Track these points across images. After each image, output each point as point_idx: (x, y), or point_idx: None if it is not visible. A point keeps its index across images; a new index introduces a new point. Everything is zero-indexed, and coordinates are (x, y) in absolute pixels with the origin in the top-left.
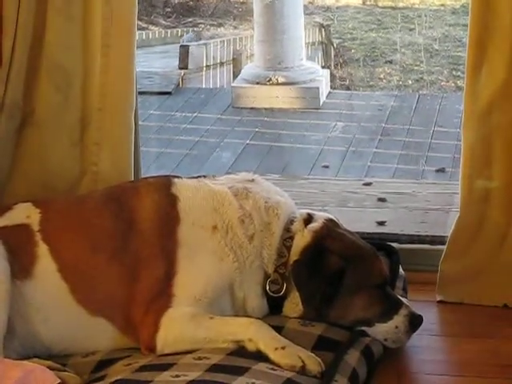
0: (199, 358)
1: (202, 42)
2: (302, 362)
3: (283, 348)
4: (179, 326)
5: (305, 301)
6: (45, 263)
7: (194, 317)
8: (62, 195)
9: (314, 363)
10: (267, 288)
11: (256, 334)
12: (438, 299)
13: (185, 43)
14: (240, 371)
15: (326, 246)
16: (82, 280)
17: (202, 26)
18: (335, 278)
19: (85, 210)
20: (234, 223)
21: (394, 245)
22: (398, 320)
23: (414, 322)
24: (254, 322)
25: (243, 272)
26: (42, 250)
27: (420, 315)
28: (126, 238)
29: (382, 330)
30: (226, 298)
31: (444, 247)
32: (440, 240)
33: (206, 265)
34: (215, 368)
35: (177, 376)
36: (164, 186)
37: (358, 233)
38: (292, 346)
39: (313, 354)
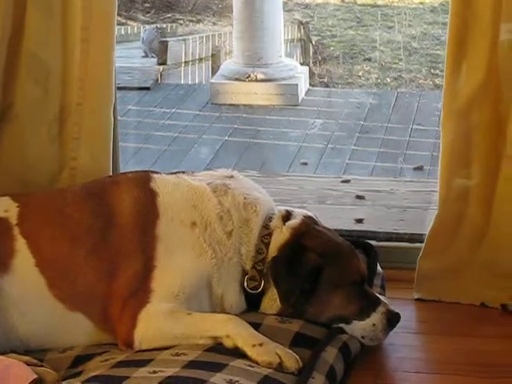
0: (177, 354)
1: (181, 37)
2: (280, 358)
3: (261, 345)
4: (157, 322)
5: (282, 297)
6: (22, 257)
7: (172, 313)
8: (40, 189)
9: (291, 360)
10: (245, 285)
11: (234, 331)
12: (416, 297)
13: (163, 39)
14: (218, 368)
15: (304, 243)
16: (59, 275)
17: (181, 21)
18: (313, 274)
19: (63, 205)
20: (213, 219)
21: (372, 242)
22: (376, 318)
23: (392, 319)
24: (231, 319)
25: (221, 268)
26: (20, 244)
27: (397, 313)
28: (105, 232)
29: (359, 328)
30: (204, 294)
31: (422, 245)
32: (418, 238)
33: (184, 260)
34: (193, 364)
35: (154, 372)
36: (143, 181)
37: (336, 230)
38: (269, 343)
39: (290, 351)
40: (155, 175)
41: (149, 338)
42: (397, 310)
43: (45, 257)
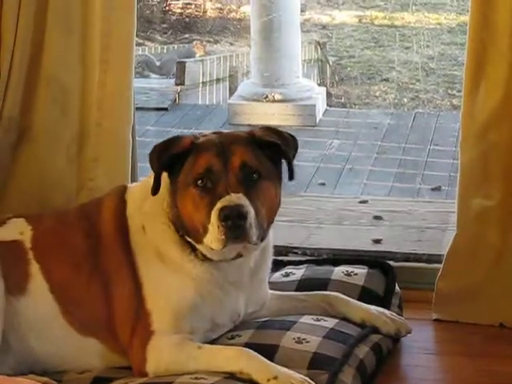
0: (196, 378)
1: (198, 58)
2: None
3: (275, 378)
4: (167, 358)
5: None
6: (37, 282)
7: (180, 346)
8: (53, 210)
9: None
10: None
11: (246, 367)
12: (434, 317)
13: (182, 59)
14: None
15: None
16: (70, 301)
17: (198, 42)
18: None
19: (65, 229)
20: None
21: (390, 263)
22: (213, 218)
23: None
24: (243, 353)
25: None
26: (35, 268)
27: (233, 206)
28: (97, 254)
29: (207, 239)
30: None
31: (440, 266)
32: (436, 258)
33: (165, 275)
34: None
35: None
36: (118, 193)
37: (354, 251)
38: (284, 374)
39: (306, 378)
40: (131, 185)
41: (161, 372)
42: (415, 330)
43: (57, 283)
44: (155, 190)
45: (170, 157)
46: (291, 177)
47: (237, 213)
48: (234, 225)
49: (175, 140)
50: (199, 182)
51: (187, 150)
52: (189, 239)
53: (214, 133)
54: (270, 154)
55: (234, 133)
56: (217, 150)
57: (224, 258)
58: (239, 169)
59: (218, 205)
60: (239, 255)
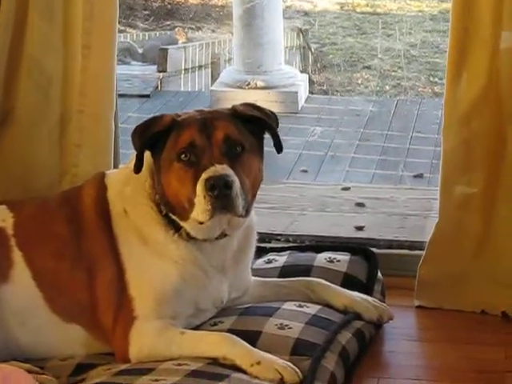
0: (179, 365)
1: (181, 45)
2: (280, 373)
3: (258, 363)
4: (150, 343)
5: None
6: (20, 269)
7: (163, 331)
8: (35, 197)
9: (290, 374)
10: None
11: (229, 352)
12: (417, 304)
13: (164, 46)
14: (219, 378)
15: None
16: (53, 288)
17: (181, 29)
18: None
19: (47, 216)
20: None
21: (373, 250)
22: (199, 189)
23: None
24: (226, 339)
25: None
26: (17, 255)
27: (219, 176)
28: (79, 241)
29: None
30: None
31: (422, 252)
32: (418, 245)
33: (148, 259)
34: (194, 374)
35: (156, 380)
36: (98, 179)
37: (337, 237)
38: (267, 359)
39: (289, 364)
40: (109, 171)
41: (144, 357)
42: (397, 317)
43: (39, 270)
44: (138, 168)
45: (151, 135)
46: (279, 149)
47: (223, 182)
48: (221, 194)
49: (156, 119)
50: (183, 156)
51: (168, 127)
52: (174, 217)
53: (196, 111)
54: (252, 128)
55: (216, 109)
56: (199, 125)
57: (208, 237)
58: (223, 141)
59: (204, 176)
60: (223, 234)
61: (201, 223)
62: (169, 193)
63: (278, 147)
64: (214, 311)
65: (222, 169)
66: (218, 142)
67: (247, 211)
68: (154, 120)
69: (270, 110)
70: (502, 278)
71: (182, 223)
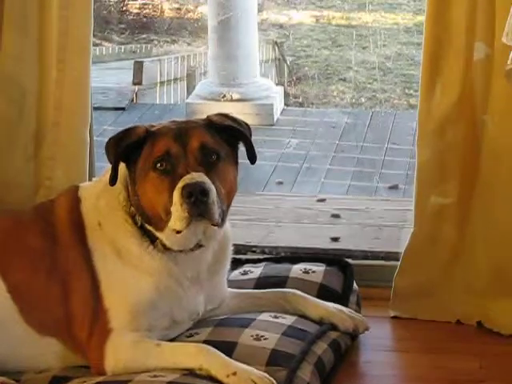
0: (154, 376)
1: (156, 57)
2: None
3: (234, 374)
4: (126, 356)
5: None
6: None
7: (138, 344)
8: (8, 210)
9: None
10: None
11: (206, 363)
12: (392, 315)
13: (139, 59)
14: None
15: None
16: (28, 301)
17: (156, 42)
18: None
19: (21, 229)
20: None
21: (348, 261)
22: (176, 197)
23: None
24: (202, 350)
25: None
26: None
27: (195, 183)
28: (53, 254)
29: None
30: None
31: (398, 263)
32: (393, 256)
33: (122, 271)
34: None
35: None
36: (71, 192)
37: (312, 248)
38: (243, 370)
39: (265, 374)
40: (83, 184)
41: (120, 370)
42: (372, 328)
43: (14, 283)
44: (113, 180)
45: (125, 146)
46: (253, 159)
47: (199, 189)
48: (198, 201)
49: (129, 130)
50: (158, 165)
51: (143, 138)
52: (149, 228)
53: (171, 121)
54: (226, 138)
55: (191, 119)
56: (174, 134)
57: (184, 248)
58: (198, 150)
59: (180, 184)
60: (199, 245)
61: (178, 232)
62: (145, 203)
63: (252, 157)
64: (189, 323)
65: (199, 176)
66: (193, 150)
67: (223, 220)
68: (127, 131)
69: (243, 121)
70: (477, 288)
71: (157, 234)
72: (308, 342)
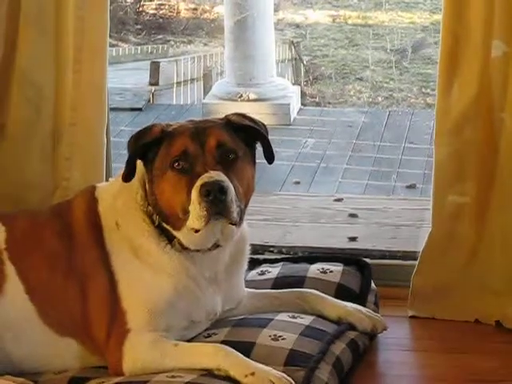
0: (172, 377)
1: (172, 58)
2: None
3: (252, 374)
4: (143, 357)
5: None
6: (12, 283)
7: (156, 344)
8: (26, 210)
9: None
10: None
11: (224, 363)
12: (410, 314)
13: (155, 60)
14: None
15: None
16: (46, 301)
17: (172, 42)
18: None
19: (39, 229)
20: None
21: (366, 260)
22: (194, 196)
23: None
24: (220, 350)
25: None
26: (10, 269)
27: (213, 181)
28: (71, 254)
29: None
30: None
31: (415, 263)
32: (411, 255)
33: (140, 271)
34: None
35: None
36: (88, 193)
37: (330, 248)
38: (261, 370)
39: (283, 375)
40: (99, 184)
41: (138, 370)
42: (391, 328)
43: (32, 284)
44: (127, 176)
45: (142, 146)
46: (271, 159)
47: (218, 187)
48: (216, 199)
49: (146, 129)
50: (176, 164)
51: (160, 137)
52: (167, 227)
53: (188, 121)
54: (244, 138)
55: (208, 119)
56: (191, 133)
57: (202, 247)
58: (216, 148)
59: (198, 182)
60: (216, 245)
61: (196, 231)
62: (162, 202)
63: (270, 157)
64: (207, 323)
65: (217, 175)
66: (211, 148)
67: (240, 219)
68: (144, 131)
69: (260, 121)
70: (496, 286)
71: (175, 233)
72: (326, 341)
